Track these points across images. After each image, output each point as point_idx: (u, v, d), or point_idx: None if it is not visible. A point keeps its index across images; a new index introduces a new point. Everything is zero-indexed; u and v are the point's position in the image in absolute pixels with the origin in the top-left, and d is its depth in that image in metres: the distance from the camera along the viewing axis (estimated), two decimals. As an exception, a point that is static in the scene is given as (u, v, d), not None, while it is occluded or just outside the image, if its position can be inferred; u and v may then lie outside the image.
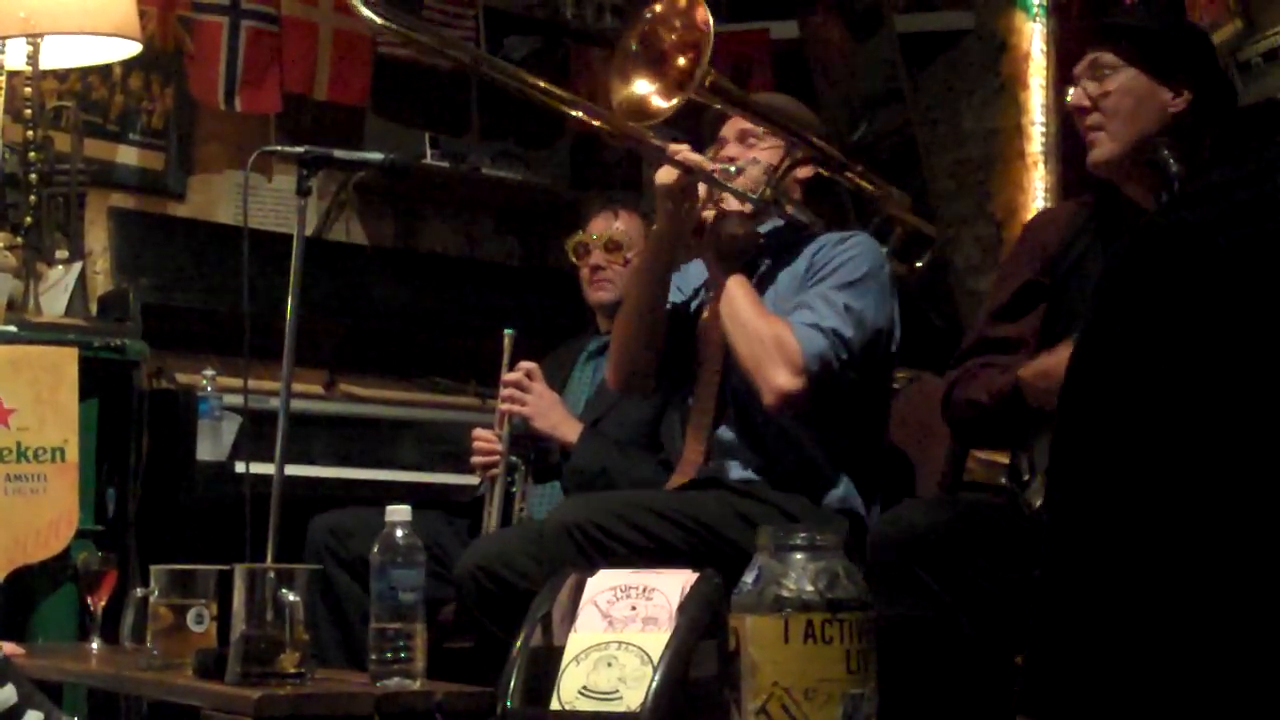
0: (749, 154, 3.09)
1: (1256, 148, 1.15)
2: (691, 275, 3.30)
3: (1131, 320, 1.08)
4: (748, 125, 3.12)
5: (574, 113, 3.06)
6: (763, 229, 3.15)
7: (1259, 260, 1.04)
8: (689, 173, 2.97)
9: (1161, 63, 2.69)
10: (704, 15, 2.82)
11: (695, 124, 3.23)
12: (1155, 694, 1.05)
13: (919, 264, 3.28)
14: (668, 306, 3.20)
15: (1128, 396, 1.07)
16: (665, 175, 3.00)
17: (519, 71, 3.11)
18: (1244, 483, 1.03)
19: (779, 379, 2.86)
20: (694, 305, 3.24)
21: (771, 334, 2.88)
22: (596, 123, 3.06)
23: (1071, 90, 2.76)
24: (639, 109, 2.87)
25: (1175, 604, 1.05)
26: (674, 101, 2.81)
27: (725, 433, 3.06)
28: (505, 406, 3.52)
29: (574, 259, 3.78)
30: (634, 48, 2.87)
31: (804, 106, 3.32)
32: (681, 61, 2.85)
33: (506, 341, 3.61)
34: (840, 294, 2.94)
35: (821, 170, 3.17)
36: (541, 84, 3.02)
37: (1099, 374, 1.10)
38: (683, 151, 2.98)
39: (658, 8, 2.88)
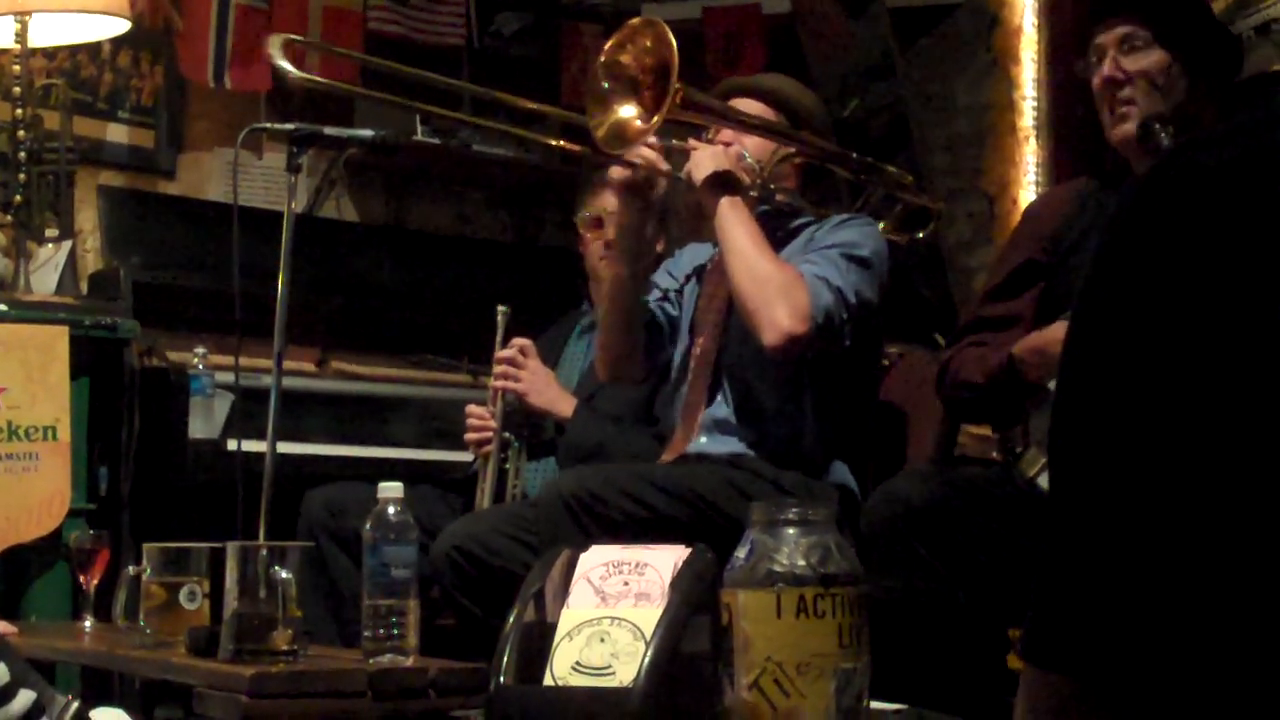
0: (743, 139, 3.10)
1: (1264, 100, 1.14)
2: (684, 261, 3.32)
3: (1143, 265, 1.07)
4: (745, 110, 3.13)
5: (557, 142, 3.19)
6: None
7: (1273, 205, 1.04)
8: (645, 169, 3.01)
9: (1195, 49, 2.69)
10: (664, 31, 2.82)
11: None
12: (1163, 639, 1.05)
13: (920, 235, 3.28)
14: (660, 293, 3.22)
15: (1136, 340, 1.07)
16: (619, 171, 3.02)
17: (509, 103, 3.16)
18: (1254, 427, 1.03)
19: (784, 321, 2.85)
20: (688, 287, 3.25)
21: (781, 277, 2.88)
22: (579, 148, 3.10)
23: (1096, 63, 2.73)
24: (620, 134, 2.88)
25: (1184, 548, 1.04)
26: (653, 122, 2.82)
27: (718, 410, 3.06)
28: (499, 383, 3.52)
29: (584, 231, 3.75)
30: (604, 85, 2.88)
31: (807, 91, 3.32)
32: (653, 82, 2.86)
33: (500, 318, 3.61)
34: (847, 263, 2.96)
35: (810, 161, 3.17)
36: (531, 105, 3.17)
37: (1108, 318, 1.09)
38: (640, 151, 3.01)
39: (612, 41, 2.90)
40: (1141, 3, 2.75)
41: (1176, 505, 1.04)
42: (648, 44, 2.85)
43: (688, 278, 3.27)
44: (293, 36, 2.93)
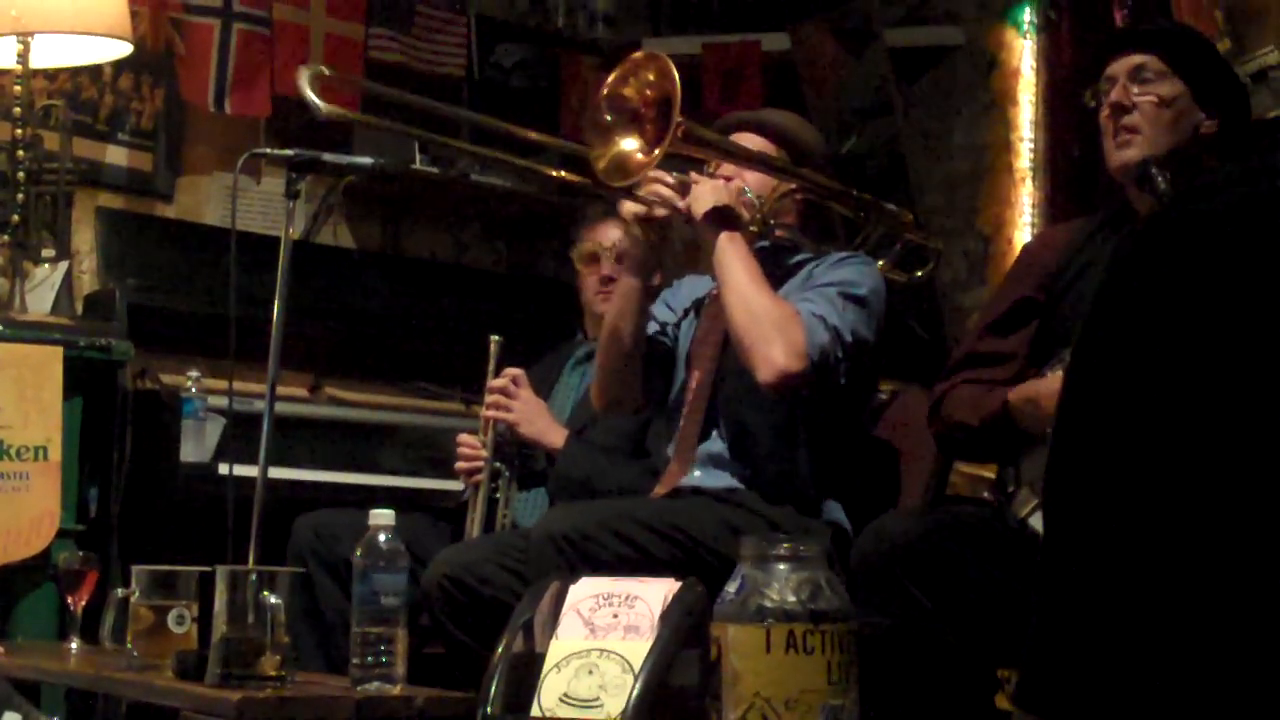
0: (744, 174, 3.11)
1: (1259, 151, 1.14)
2: (682, 293, 3.31)
3: (1142, 311, 1.07)
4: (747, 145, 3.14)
5: (558, 173, 3.18)
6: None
7: (1275, 255, 1.04)
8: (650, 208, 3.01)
9: (1205, 83, 2.70)
10: (666, 65, 2.83)
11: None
12: (1156, 689, 1.05)
13: (919, 275, 3.28)
14: (657, 325, 3.22)
15: (1135, 386, 1.07)
16: (631, 206, 3.02)
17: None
18: (1252, 475, 1.03)
19: (779, 358, 2.84)
20: (685, 321, 3.25)
21: (778, 313, 2.88)
22: (580, 179, 3.10)
23: (1104, 89, 2.74)
24: (622, 166, 2.89)
25: (1179, 599, 1.04)
26: (655, 155, 2.82)
27: (713, 445, 3.06)
28: (490, 413, 3.52)
29: (580, 266, 3.75)
30: (607, 117, 2.89)
31: (809, 128, 3.33)
32: (655, 115, 2.86)
33: (493, 348, 3.62)
34: (845, 301, 2.96)
35: (811, 198, 3.17)
36: (532, 135, 3.20)
37: (1105, 366, 1.10)
38: (653, 184, 3.01)
39: (615, 74, 2.91)
40: (1158, 37, 2.77)
41: (1172, 556, 1.04)
42: (650, 77, 2.86)
43: (686, 311, 3.27)
44: (324, 69, 2.91)
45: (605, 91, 2.90)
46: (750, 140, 3.15)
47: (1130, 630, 1.05)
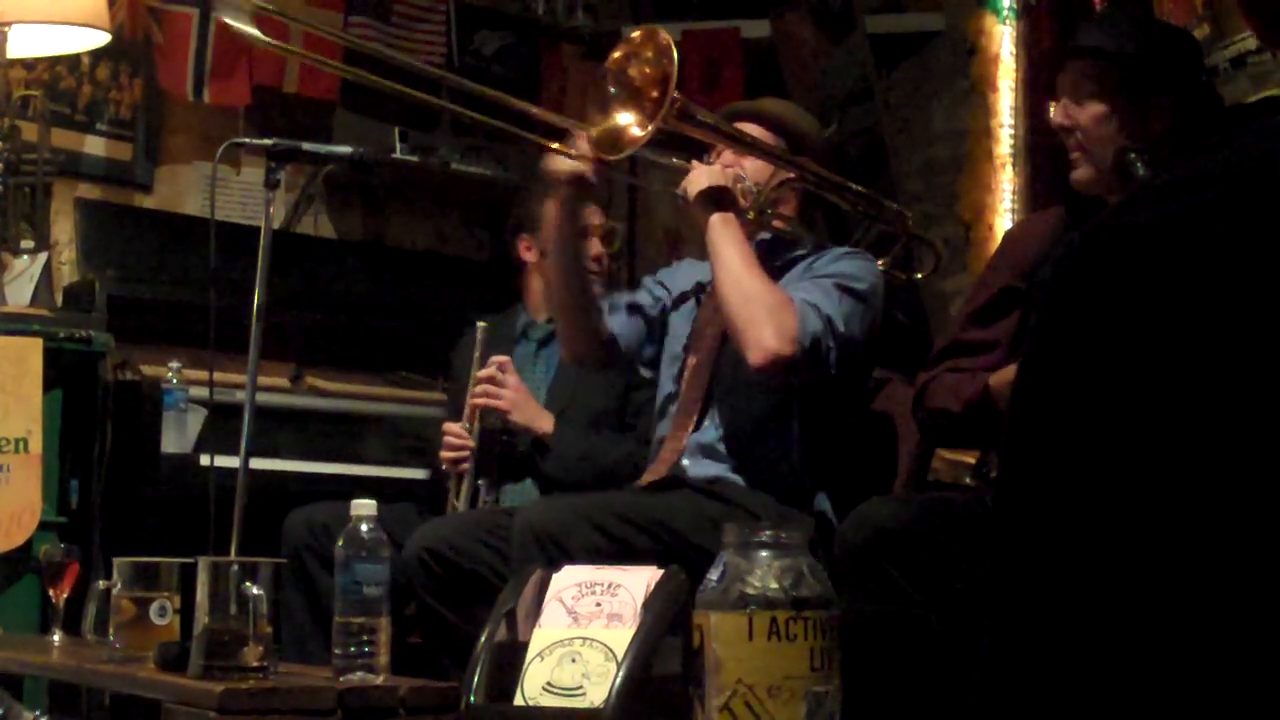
0: (743, 162, 3.11)
1: (1205, 152, 1.15)
2: (680, 275, 3.32)
3: (1079, 323, 1.08)
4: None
5: (552, 146, 3.14)
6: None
7: (1205, 265, 1.04)
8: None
9: (1139, 85, 2.69)
10: (666, 43, 2.84)
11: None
12: (1110, 699, 1.05)
13: (919, 275, 3.29)
14: (651, 298, 3.23)
15: (1076, 396, 1.07)
16: (554, 164, 3.04)
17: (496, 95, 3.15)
18: (1192, 481, 1.03)
19: (771, 340, 2.85)
20: (684, 305, 3.25)
21: (770, 297, 2.89)
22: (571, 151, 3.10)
23: (1053, 106, 2.75)
24: (614, 140, 2.89)
25: (1129, 605, 1.05)
26: (648, 130, 2.83)
27: (705, 434, 3.06)
28: (481, 401, 3.52)
29: (523, 254, 3.78)
30: (611, 90, 2.90)
31: (808, 118, 3.33)
32: (654, 93, 2.87)
33: (480, 333, 3.62)
34: (840, 293, 2.96)
35: (808, 188, 3.17)
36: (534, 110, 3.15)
37: (1047, 376, 1.10)
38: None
39: (619, 50, 2.91)
40: (1091, 52, 2.75)
41: (1120, 584, 1.04)
42: (649, 55, 2.87)
43: (685, 295, 3.27)
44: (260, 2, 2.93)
45: (610, 65, 2.91)
46: (749, 129, 3.14)
47: (1086, 641, 1.06)
